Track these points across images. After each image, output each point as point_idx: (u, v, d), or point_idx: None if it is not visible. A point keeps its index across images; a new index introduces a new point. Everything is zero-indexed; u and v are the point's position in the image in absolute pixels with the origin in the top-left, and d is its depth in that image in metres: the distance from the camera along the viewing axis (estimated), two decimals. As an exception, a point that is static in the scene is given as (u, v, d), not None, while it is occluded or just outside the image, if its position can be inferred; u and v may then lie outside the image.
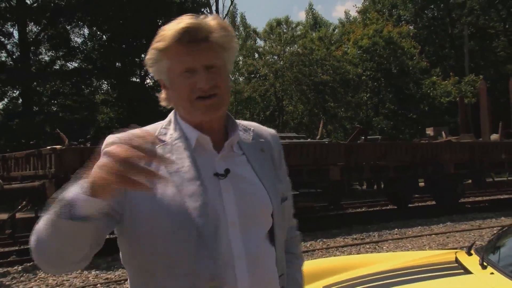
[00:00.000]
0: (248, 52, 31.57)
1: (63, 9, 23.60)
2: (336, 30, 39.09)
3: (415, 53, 25.72)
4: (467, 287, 2.78)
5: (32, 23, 24.53)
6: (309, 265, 2.92)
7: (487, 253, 3.19)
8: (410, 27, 31.01)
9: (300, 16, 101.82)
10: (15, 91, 25.68)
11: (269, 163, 1.45)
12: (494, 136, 16.23)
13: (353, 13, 43.38)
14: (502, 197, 16.84)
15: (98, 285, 7.05)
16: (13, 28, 24.54)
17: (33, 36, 24.67)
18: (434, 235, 9.71)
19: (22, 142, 19.88)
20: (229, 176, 1.34)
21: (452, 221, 11.38)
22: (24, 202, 9.12)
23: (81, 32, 26.60)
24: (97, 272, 7.75)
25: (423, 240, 9.28)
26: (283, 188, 1.47)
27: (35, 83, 24.12)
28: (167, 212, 1.27)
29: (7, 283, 7.41)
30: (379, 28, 24.99)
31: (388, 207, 14.77)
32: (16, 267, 8.16)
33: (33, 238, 1.21)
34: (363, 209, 14.91)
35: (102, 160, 1.07)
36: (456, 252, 3.55)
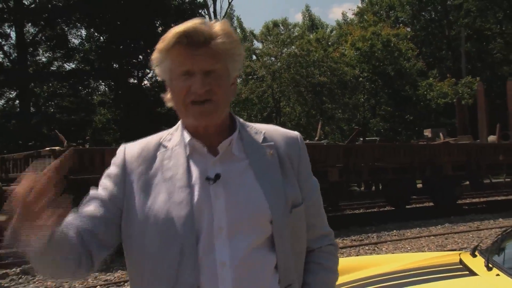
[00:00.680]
0: (245, 54, 31.56)
1: (60, 10, 23.54)
2: (334, 32, 39.13)
3: (412, 55, 25.77)
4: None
5: (30, 24, 24.47)
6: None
7: (492, 254, 3.18)
8: (407, 29, 31.07)
9: (296, 18, 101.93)
10: (12, 92, 25.65)
11: (276, 167, 1.39)
12: (492, 138, 16.27)
13: (350, 15, 43.48)
14: (499, 198, 16.88)
15: (98, 286, 7.04)
16: (11, 29, 24.49)
17: (31, 37, 24.61)
18: (432, 237, 9.71)
19: (19, 143, 19.83)
20: (221, 180, 1.32)
21: (450, 223, 11.39)
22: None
23: (79, 33, 26.60)
24: (96, 273, 7.72)
25: (421, 241, 9.28)
26: (296, 193, 1.40)
27: (32, 84, 24.06)
28: (155, 219, 1.30)
29: (6, 285, 7.37)
30: (377, 31, 25.02)
31: (386, 209, 14.78)
32: (14, 269, 8.12)
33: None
34: (361, 211, 14.93)
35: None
36: (460, 254, 3.54)
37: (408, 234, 10.18)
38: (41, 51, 25.70)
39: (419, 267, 3.30)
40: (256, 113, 26.94)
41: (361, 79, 25.15)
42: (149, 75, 27.21)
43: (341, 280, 3.23)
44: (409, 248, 8.65)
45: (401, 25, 31.27)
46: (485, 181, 15.16)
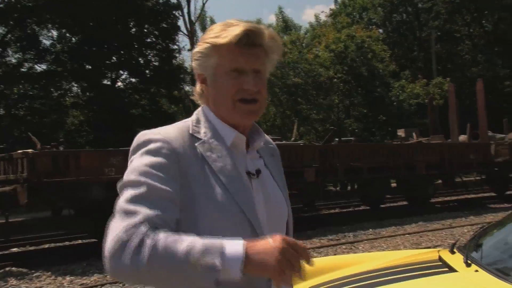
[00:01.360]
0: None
1: (31, 10, 23.05)
2: (308, 33, 39.36)
3: (385, 56, 26.12)
4: (453, 285, 2.83)
5: (-1, 25, 23.92)
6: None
7: (470, 251, 3.24)
8: (379, 30, 31.48)
9: (270, 19, 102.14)
10: (-19, 94, 24.98)
11: (281, 169, 1.50)
12: (463, 137, 16.61)
13: (324, 17, 43.80)
14: (469, 196, 17.24)
15: (74, 291, 6.91)
16: (-21, 30, 23.89)
17: (0, 38, 24.04)
18: (407, 235, 9.86)
19: (-11, 146, 19.34)
20: (260, 177, 1.39)
21: (424, 221, 11.58)
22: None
23: (50, 34, 26.09)
24: (72, 277, 7.60)
25: (397, 239, 9.41)
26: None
27: (2, 86, 23.50)
28: (222, 210, 1.28)
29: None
30: (351, 33, 25.28)
31: (361, 208, 14.94)
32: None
33: (148, 258, 1.12)
34: (337, 210, 15.05)
35: (281, 250, 1.13)
36: (438, 251, 3.60)
37: (384, 232, 10.31)
38: (10, 52, 25.14)
39: (398, 265, 3.33)
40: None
41: (335, 80, 25.37)
42: (123, 76, 26.90)
43: (319, 280, 3.24)
44: (385, 246, 8.76)
45: (374, 26, 31.65)
46: (456, 180, 15.46)
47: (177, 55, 28.13)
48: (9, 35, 24.37)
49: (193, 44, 30.79)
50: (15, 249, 10.26)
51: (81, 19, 23.43)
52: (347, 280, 3.17)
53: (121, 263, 1.13)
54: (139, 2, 24.54)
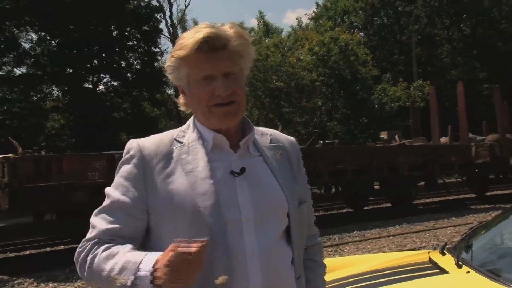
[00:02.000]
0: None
1: (9, 12, 22.68)
2: (290, 37, 39.49)
3: (367, 59, 26.33)
4: (446, 286, 2.83)
5: (-24, 28, 23.47)
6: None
7: (460, 252, 3.26)
8: (361, 34, 31.72)
9: (251, 22, 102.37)
10: (-42, 98, 24.47)
11: (286, 165, 1.48)
12: (444, 139, 16.79)
13: (305, 20, 44.01)
14: (451, 198, 17.41)
15: (57, 298, 6.78)
16: (-44, 33, 23.40)
17: (-23, 41, 23.61)
18: (392, 237, 9.90)
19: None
20: (245, 174, 1.38)
21: (408, 222, 11.65)
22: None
23: (29, 37, 25.71)
24: (55, 284, 7.48)
25: (382, 241, 9.45)
26: (301, 191, 1.49)
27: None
28: (182, 212, 1.32)
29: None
30: (334, 35, 25.42)
31: (344, 210, 14.99)
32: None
33: (87, 271, 1.35)
34: (321, 213, 15.07)
35: (172, 259, 1.18)
36: (429, 252, 3.61)
37: (369, 234, 10.35)
38: (-12, 55, 24.69)
39: (390, 267, 3.34)
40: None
41: (317, 83, 25.47)
42: (104, 79, 26.62)
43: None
44: (370, 248, 8.79)
45: (355, 30, 31.89)
46: (438, 181, 15.61)
47: (159, 58, 27.99)
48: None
49: (175, 47, 30.64)
50: (-5, 256, 10.06)
51: (61, 22, 23.13)
52: (338, 283, 3.16)
53: (78, 269, 1.38)
54: (121, 5, 24.34)
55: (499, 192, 17.76)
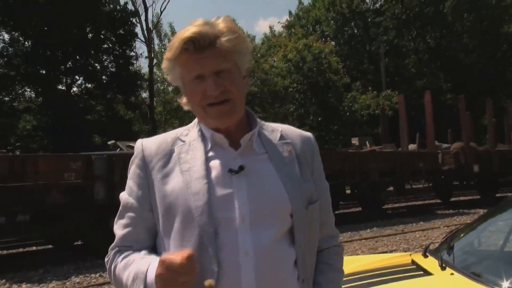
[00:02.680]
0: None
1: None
2: (264, 44, 39.61)
3: (337, 68, 26.60)
4: (431, 287, 2.84)
5: None
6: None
7: (443, 254, 3.27)
8: (332, 42, 32.07)
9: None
10: None
11: (294, 163, 1.40)
12: (412, 146, 17.07)
13: (278, 28, 44.23)
14: (417, 203, 17.72)
15: (33, 299, 6.57)
16: None
17: None
18: (364, 240, 9.98)
19: None
20: (244, 172, 1.32)
21: (378, 226, 11.78)
22: None
23: (1, 37, 25.01)
24: (28, 285, 7.26)
25: (354, 245, 9.51)
26: (312, 190, 1.41)
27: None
28: (175, 211, 1.30)
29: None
30: (308, 43, 25.60)
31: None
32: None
33: (113, 280, 1.39)
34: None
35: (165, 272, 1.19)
36: (411, 255, 3.62)
37: (341, 238, 10.27)
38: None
39: (373, 269, 3.32)
40: (188, 121, 26.61)
41: (290, 89, 25.59)
42: (78, 82, 26.13)
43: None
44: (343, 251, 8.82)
45: (328, 38, 32.23)
46: (406, 187, 15.84)
47: (134, 61, 27.66)
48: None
49: (150, 51, 30.37)
50: (-34, 257, 9.70)
51: (35, 23, 22.61)
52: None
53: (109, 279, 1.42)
54: (97, 8, 23.97)
55: (462, 198, 18.15)
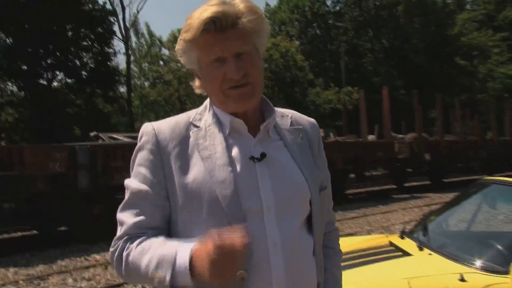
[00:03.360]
0: (153, 59, 30.68)
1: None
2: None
3: (303, 65, 26.66)
4: (413, 266, 2.78)
5: None
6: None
7: (419, 236, 3.24)
8: (296, 42, 32.08)
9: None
10: None
11: (307, 149, 1.28)
12: (372, 137, 17.25)
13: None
14: (375, 188, 17.95)
15: (20, 281, 6.28)
16: None
17: None
18: (330, 223, 9.99)
19: None
20: (266, 160, 1.18)
21: (342, 210, 11.83)
22: None
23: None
24: (16, 269, 6.97)
25: (322, 227, 9.50)
26: (322, 177, 1.29)
27: None
28: (199, 200, 1.14)
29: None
30: (276, 42, 25.51)
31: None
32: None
33: (124, 269, 1.17)
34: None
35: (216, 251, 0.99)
36: (387, 236, 3.57)
37: (309, 221, 10.40)
38: None
39: (354, 250, 3.24)
40: (164, 114, 26.23)
41: (259, 85, 25.52)
42: (59, 77, 25.39)
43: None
44: (313, 233, 8.81)
45: (293, 38, 32.22)
46: (366, 174, 16.00)
47: (112, 58, 27.09)
48: None
49: (127, 48, 29.76)
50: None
51: (16, 22, 21.72)
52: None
53: (115, 269, 1.21)
54: (76, 7, 23.27)
55: (414, 183, 18.47)
